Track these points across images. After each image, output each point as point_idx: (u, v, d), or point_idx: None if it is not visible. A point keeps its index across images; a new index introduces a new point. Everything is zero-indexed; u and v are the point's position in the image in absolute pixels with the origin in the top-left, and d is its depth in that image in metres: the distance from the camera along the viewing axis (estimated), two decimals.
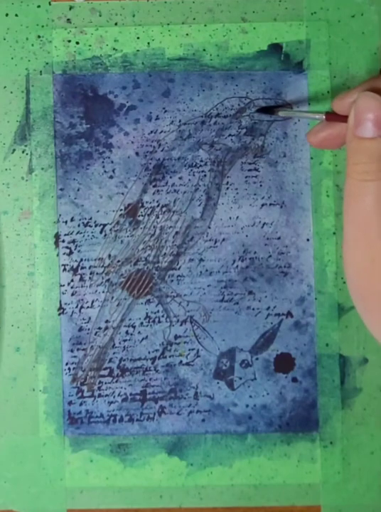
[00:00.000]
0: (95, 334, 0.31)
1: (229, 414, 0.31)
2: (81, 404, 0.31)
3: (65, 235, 0.31)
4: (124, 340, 0.31)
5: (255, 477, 0.30)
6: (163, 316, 0.31)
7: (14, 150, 0.31)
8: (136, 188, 0.31)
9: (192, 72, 0.31)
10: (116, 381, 0.31)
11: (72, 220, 0.31)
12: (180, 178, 0.31)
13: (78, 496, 0.30)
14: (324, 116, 0.27)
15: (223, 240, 0.31)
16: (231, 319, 0.31)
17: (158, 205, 0.31)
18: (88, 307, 0.31)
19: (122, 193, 0.31)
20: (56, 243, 0.31)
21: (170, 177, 0.31)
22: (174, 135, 0.31)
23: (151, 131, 0.31)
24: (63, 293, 0.31)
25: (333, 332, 0.30)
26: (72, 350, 0.31)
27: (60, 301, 0.31)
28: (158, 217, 0.31)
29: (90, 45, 0.31)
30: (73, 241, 0.31)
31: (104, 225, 0.31)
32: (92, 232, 0.31)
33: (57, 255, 0.31)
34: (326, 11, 0.31)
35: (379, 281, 0.23)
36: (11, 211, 0.31)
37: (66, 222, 0.31)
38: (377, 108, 0.23)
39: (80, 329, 0.31)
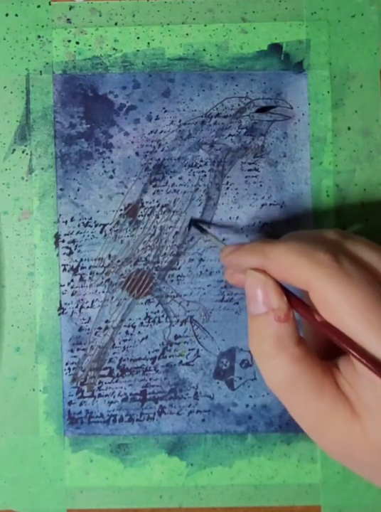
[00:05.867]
0: (95, 334, 0.31)
1: (229, 414, 0.31)
2: (81, 404, 0.31)
3: (65, 235, 0.31)
4: (124, 340, 0.31)
5: (255, 477, 0.30)
6: (163, 316, 0.31)
7: (14, 150, 0.31)
8: (136, 188, 0.31)
9: (192, 72, 0.31)
10: (116, 381, 0.31)
11: (72, 220, 0.31)
12: (180, 178, 0.31)
13: (78, 495, 0.30)
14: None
15: (223, 239, 0.31)
16: (231, 319, 0.31)
17: (158, 205, 0.31)
18: (88, 307, 0.31)
19: (122, 193, 0.31)
20: (56, 243, 0.31)
21: (170, 177, 0.31)
22: (174, 135, 0.31)
23: (151, 131, 0.31)
24: (63, 293, 0.31)
25: None
26: (72, 350, 0.31)
27: (60, 301, 0.31)
28: (158, 217, 0.31)
29: (90, 45, 0.31)
30: (73, 241, 0.31)
31: (104, 225, 0.31)
32: (92, 232, 0.31)
33: (57, 255, 0.31)
34: (326, 11, 0.31)
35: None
36: (11, 211, 0.31)
37: (66, 222, 0.31)
38: (263, 284, 0.23)
39: (80, 329, 0.31)
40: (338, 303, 0.20)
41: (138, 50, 0.31)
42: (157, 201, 0.31)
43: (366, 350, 0.20)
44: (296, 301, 0.23)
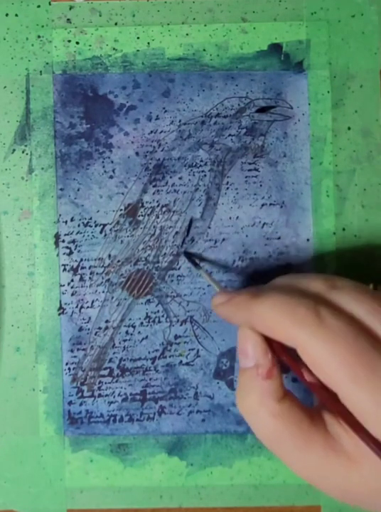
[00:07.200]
0: (95, 334, 0.31)
1: (229, 414, 0.31)
2: (81, 404, 0.31)
3: (65, 235, 0.31)
4: (124, 340, 0.31)
5: (255, 477, 0.30)
6: (163, 316, 0.31)
7: (14, 150, 0.31)
8: (136, 188, 0.31)
9: (192, 72, 0.31)
10: (116, 381, 0.31)
11: (72, 220, 0.31)
12: (180, 178, 0.31)
13: (78, 495, 0.30)
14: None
15: (223, 239, 0.31)
16: None
17: (158, 205, 0.31)
18: (88, 307, 0.31)
19: (122, 193, 0.31)
20: (56, 243, 0.31)
21: (170, 177, 0.31)
22: (174, 135, 0.31)
23: (151, 131, 0.31)
24: (63, 293, 0.31)
25: None
26: (72, 350, 0.31)
27: (60, 301, 0.31)
28: (158, 217, 0.31)
29: (90, 45, 0.31)
30: (73, 241, 0.31)
31: (104, 225, 0.31)
32: (92, 232, 0.31)
33: (57, 255, 0.31)
34: (326, 11, 0.31)
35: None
36: (11, 211, 0.31)
37: (66, 222, 0.31)
38: (252, 340, 0.23)
39: (80, 329, 0.31)
40: (324, 360, 0.20)
41: (138, 50, 0.31)
42: (157, 201, 0.31)
43: (354, 407, 0.20)
44: (290, 358, 0.23)
